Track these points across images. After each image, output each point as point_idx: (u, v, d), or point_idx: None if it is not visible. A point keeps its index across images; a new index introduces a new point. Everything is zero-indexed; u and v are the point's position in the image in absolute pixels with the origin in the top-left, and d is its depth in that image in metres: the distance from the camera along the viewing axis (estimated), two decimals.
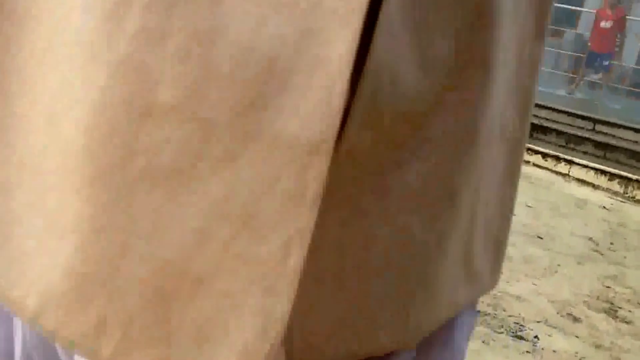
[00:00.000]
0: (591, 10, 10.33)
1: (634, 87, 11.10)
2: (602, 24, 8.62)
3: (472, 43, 0.33)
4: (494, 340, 2.28)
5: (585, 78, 9.41)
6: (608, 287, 3.05)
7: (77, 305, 0.30)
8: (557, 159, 5.23)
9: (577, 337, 2.45)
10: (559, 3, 11.50)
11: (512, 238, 3.39)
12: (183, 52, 0.28)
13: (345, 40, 0.27)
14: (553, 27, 11.76)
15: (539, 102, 6.46)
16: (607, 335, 2.53)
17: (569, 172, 5.15)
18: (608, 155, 5.60)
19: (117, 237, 0.29)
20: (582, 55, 9.46)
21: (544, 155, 5.27)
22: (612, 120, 6.22)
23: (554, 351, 2.31)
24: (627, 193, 4.95)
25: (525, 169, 5.08)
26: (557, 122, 6.18)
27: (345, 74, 0.27)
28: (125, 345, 0.30)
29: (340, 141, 0.29)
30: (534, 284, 2.87)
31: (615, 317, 2.71)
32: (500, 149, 0.40)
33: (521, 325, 2.45)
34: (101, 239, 0.29)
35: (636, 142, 5.91)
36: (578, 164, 5.16)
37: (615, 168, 5.15)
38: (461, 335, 0.45)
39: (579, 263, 3.30)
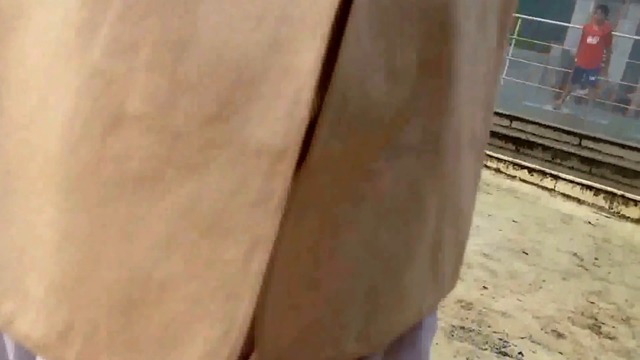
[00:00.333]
0: (578, 26, 10.43)
1: (619, 103, 11.21)
2: (589, 39, 8.70)
3: (437, 53, 0.33)
4: (479, 357, 2.28)
5: (571, 93, 9.48)
6: (592, 302, 3.07)
7: (46, 311, 0.31)
8: (543, 174, 5.26)
9: (561, 353, 2.46)
10: (546, 18, 11.61)
11: (497, 253, 3.40)
12: (154, 62, 0.28)
13: (313, 49, 0.28)
14: (540, 42, 11.86)
15: (526, 117, 6.51)
16: (591, 351, 2.54)
17: (554, 187, 5.19)
18: (594, 170, 5.64)
19: (86, 244, 0.30)
20: (568, 70, 9.54)
21: (530, 170, 5.30)
22: (598, 135, 6.27)
23: None
24: (612, 208, 4.98)
25: (511, 184, 5.11)
26: (544, 137, 6.22)
27: (312, 83, 0.28)
28: (89, 351, 0.30)
29: (310, 149, 0.30)
30: (519, 300, 2.88)
31: (599, 333, 2.72)
32: (469, 156, 0.41)
33: (505, 341, 2.45)
34: (71, 245, 0.30)
35: (621, 157, 5.96)
36: (564, 179, 5.19)
37: (600, 183, 5.19)
38: (426, 337, 0.46)
39: (563, 278, 3.31)
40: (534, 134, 6.24)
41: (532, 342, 2.51)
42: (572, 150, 5.93)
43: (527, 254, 3.56)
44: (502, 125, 6.41)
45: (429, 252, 0.39)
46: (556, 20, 11.96)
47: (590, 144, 6.16)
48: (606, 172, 5.62)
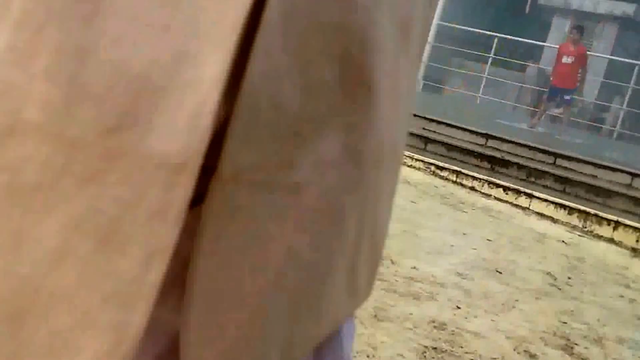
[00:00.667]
0: (554, 46, 10.59)
1: (594, 122, 11.36)
2: (564, 59, 8.83)
3: (358, 68, 0.34)
4: None
5: (547, 112, 9.60)
6: (565, 323, 3.08)
7: None
8: (518, 192, 5.30)
9: None
10: (522, 37, 11.77)
11: (471, 272, 3.41)
12: (52, 71, 0.28)
13: (217, 62, 0.28)
14: (516, 61, 12.01)
15: (501, 136, 6.57)
16: None
17: (529, 205, 5.23)
18: (568, 189, 5.70)
19: None
20: (544, 89, 9.67)
21: (505, 189, 5.34)
22: (572, 154, 6.35)
23: None
24: (585, 227, 5.03)
25: (486, 203, 5.14)
26: (519, 155, 6.28)
27: (215, 96, 0.28)
28: None
29: (220, 161, 0.30)
30: (492, 320, 2.89)
31: (571, 354, 2.73)
32: (389, 168, 0.42)
33: None
34: None
35: (595, 176, 6.03)
36: (538, 198, 5.23)
37: (574, 202, 5.24)
38: (347, 343, 0.47)
39: (537, 298, 3.33)
40: (510, 153, 6.30)
41: None
42: (546, 169, 5.99)
43: (501, 273, 3.58)
44: (477, 144, 6.46)
45: (348, 265, 0.40)
46: (532, 40, 12.14)
47: (565, 163, 6.23)
48: (580, 191, 5.68)
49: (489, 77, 11.49)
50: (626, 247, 4.81)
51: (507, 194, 5.33)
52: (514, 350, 2.64)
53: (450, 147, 6.20)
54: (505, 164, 5.98)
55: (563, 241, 4.63)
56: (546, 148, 6.42)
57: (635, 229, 4.89)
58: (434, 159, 5.74)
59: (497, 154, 6.17)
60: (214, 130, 0.30)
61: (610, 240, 4.89)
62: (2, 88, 0.28)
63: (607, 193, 5.62)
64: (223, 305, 0.33)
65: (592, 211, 5.08)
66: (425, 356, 2.38)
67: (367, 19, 0.34)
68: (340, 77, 0.33)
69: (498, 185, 5.37)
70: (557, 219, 5.10)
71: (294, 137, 0.32)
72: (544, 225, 4.96)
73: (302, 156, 0.33)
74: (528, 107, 11.32)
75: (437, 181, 5.42)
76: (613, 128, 10.86)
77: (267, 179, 0.32)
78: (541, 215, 5.15)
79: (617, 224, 4.96)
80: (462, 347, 2.53)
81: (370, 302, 2.62)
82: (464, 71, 12.12)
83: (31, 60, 0.28)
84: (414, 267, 3.17)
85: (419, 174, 5.50)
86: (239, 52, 0.29)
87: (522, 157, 6.27)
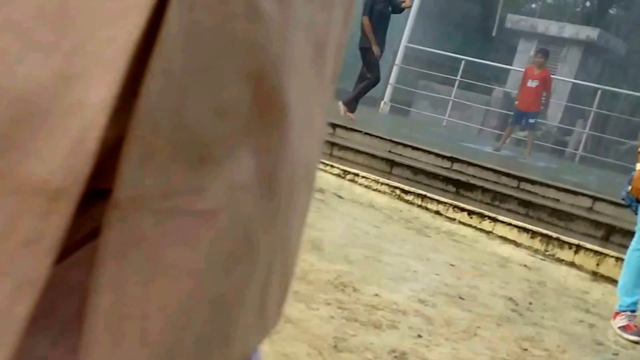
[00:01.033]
0: (520, 69, 10.77)
1: (557, 145, 11.57)
2: (529, 83, 8.99)
3: (270, 87, 0.33)
4: None
5: (512, 135, 9.75)
6: (525, 349, 3.11)
7: None
8: (482, 216, 5.36)
9: None
10: (489, 60, 11.96)
11: (434, 299, 3.44)
12: None
13: (106, 85, 0.27)
14: (483, 84, 12.20)
15: (466, 159, 6.65)
16: None
17: (493, 229, 5.29)
18: (531, 213, 5.78)
19: None
20: (510, 112, 9.83)
21: (470, 213, 5.40)
22: (535, 178, 6.45)
23: None
24: (547, 251, 5.11)
25: (450, 227, 5.19)
26: (484, 179, 6.36)
27: (102, 120, 0.27)
28: None
29: (115, 187, 0.29)
30: (453, 348, 2.91)
31: None
32: (302, 191, 0.41)
33: None
34: None
35: (558, 200, 6.14)
36: (502, 222, 5.30)
37: (537, 226, 5.32)
38: None
39: (498, 324, 3.36)
40: (475, 176, 6.38)
41: None
42: (510, 192, 6.08)
43: (463, 299, 3.60)
44: (443, 167, 6.53)
45: (258, 294, 0.39)
46: (499, 63, 12.35)
47: (528, 187, 6.33)
48: (543, 214, 5.77)
49: (455, 100, 11.64)
50: (586, 271, 4.89)
51: (471, 217, 5.38)
52: None
53: (416, 170, 6.26)
54: (470, 187, 6.05)
55: (525, 265, 4.68)
56: (510, 172, 6.52)
57: (595, 252, 4.97)
58: (399, 182, 5.78)
59: (463, 178, 6.24)
60: (106, 153, 0.28)
61: (571, 264, 4.97)
62: None
63: (569, 216, 5.72)
64: (127, 343, 0.31)
65: (554, 235, 5.16)
66: None
67: (281, 37, 0.33)
68: (254, 97, 0.32)
69: (463, 209, 5.43)
70: (520, 243, 5.17)
71: (204, 161, 0.31)
72: (507, 250, 5.02)
73: (214, 181, 0.32)
74: (494, 130, 11.48)
75: (402, 205, 5.46)
76: (576, 151, 11.07)
77: (175, 205, 0.31)
78: (504, 239, 5.21)
79: (578, 248, 5.04)
80: None
81: (330, 332, 2.62)
82: (431, 93, 12.27)
83: None
84: (376, 295, 3.19)
85: (385, 198, 5.53)
86: (135, 73, 0.28)
87: (487, 180, 6.35)
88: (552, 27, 13.50)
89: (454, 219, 5.39)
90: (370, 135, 7.05)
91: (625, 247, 3.83)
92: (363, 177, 5.75)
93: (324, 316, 2.71)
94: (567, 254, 5.04)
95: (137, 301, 0.31)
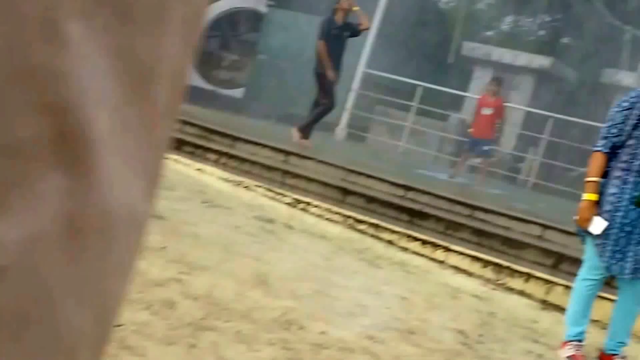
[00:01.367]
0: (475, 96, 10.95)
1: (511, 172, 11.76)
2: (483, 110, 9.14)
3: (72, 122, 0.30)
4: None
5: (466, 163, 9.86)
6: None
7: None
8: (435, 245, 5.37)
9: None
10: (445, 87, 12.14)
11: (383, 334, 3.40)
12: None
13: None
14: (439, 110, 12.35)
15: (421, 187, 6.68)
16: None
17: (446, 259, 5.30)
18: (483, 241, 5.82)
19: None
20: (465, 139, 9.95)
21: (423, 242, 5.41)
22: (488, 206, 6.50)
23: None
24: (499, 280, 5.13)
25: (403, 257, 5.18)
26: (437, 207, 6.39)
27: None
28: None
29: None
30: None
31: None
32: (123, 236, 0.37)
33: None
34: None
35: (509, 228, 6.19)
36: (455, 251, 5.32)
37: (489, 255, 5.35)
38: None
39: None
40: (428, 205, 6.40)
41: None
42: (463, 221, 6.11)
43: (413, 333, 3.58)
44: (397, 195, 6.54)
45: (66, 352, 0.35)
46: (455, 90, 12.53)
47: (481, 215, 6.38)
48: (495, 243, 5.81)
49: (412, 126, 11.75)
50: (536, 300, 4.92)
51: (424, 247, 5.39)
52: None
53: (369, 198, 6.25)
54: (424, 216, 6.07)
55: (477, 296, 4.69)
56: (464, 200, 6.56)
57: (545, 281, 5.02)
58: (352, 211, 5.76)
59: (417, 206, 6.26)
60: None
61: (522, 293, 5.00)
62: None
63: (520, 245, 5.77)
64: None
65: (506, 264, 5.19)
66: None
67: (86, 63, 0.30)
68: (53, 132, 0.29)
69: (416, 239, 5.43)
70: (472, 273, 5.18)
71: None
72: (459, 280, 5.02)
73: (2, 232, 0.29)
74: (449, 157, 11.61)
75: (355, 235, 5.43)
76: (528, 178, 11.25)
77: None
78: (457, 269, 5.22)
79: (529, 276, 5.08)
80: None
81: None
82: (387, 119, 12.37)
83: None
84: (323, 332, 3.13)
85: (337, 227, 5.50)
86: None
87: (441, 209, 6.38)
88: (506, 55, 13.78)
89: (407, 249, 5.38)
90: (324, 162, 7.04)
91: (574, 275, 3.87)
92: (315, 206, 5.72)
93: (265, 358, 2.64)
94: (517, 283, 5.07)
95: None
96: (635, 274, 3.45)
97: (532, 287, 5.02)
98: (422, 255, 5.33)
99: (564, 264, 5.49)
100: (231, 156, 6.91)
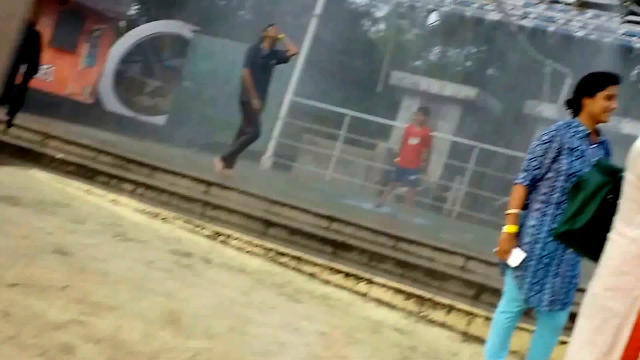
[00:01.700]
0: (403, 125, 11.05)
1: (437, 202, 11.89)
2: (410, 140, 9.20)
3: None
4: None
5: (393, 192, 9.89)
6: None
7: None
8: (358, 278, 5.30)
9: None
10: (373, 116, 12.22)
11: None
12: None
13: None
14: (366, 139, 12.42)
15: (345, 218, 6.62)
16: None
17: (368, 292, 5.23)
18: (407, 273, 5.78)
19: None
20: (392, 168, 10.00)
21: (346, 275, 5.32)
22: (412, 237, 6.49)
23: None
24: (421, 312, 5.09)
25: (325, 290, 5.08)
26: (361, 239, 6.34)
27: None
28: None
29: None
30: None
31: None
32: None
33: None
34: None
35: (433, 259, 6.19)
36: (377, 284, 5.25)
37: (412, 286, 5.31)
38: None
39: None
40: (353, 236, 6.35)
41: None
42: (387, 252, 6.07)
43: None
44: (321, 227, 6.46)
45: None
46: (383, 118, 12.63)
47: (405, 246, 6.36)
48: (418, 274, 5.78)
49: (339, 155, 11.76)
50: (457, 331, 4.90)
51: (347, 280, 5.30)
52: None
53: (292, 230, 6.14)
54: (348, 248, 6.00)
55: (398, 329, 4.62)
56: (388, 231, 6.53)
57: (466, 312, 5.00)
58: (275, 243, 5.64)
59: (340, 238, 6.19)
60: None
61: (443, 325, 4.97)
62: None
63: (443, 276, 5.76)
64: None
65: (428, 295, 5.16)
66: None
67: None
68: None
69: (339, 271, 5.34)
70: (394, 305, 5.12)
71: None
72: (382, 313, 4.95)
73: None
74: (376, 186, 11.65)
75: (276, 268, 5.30)
76: (453, 208, 11.40)
77: None
78: (379, 301, 5.15)
79: (450, 308, 5.05)
80: None
81: None
82: (315, 148, 12.34)
83: None
84: None
85: (258, 260, 5.36)
86: None
87: (365, 240, 6.33)
88: (434, 85, 14.04)
89: (329, 282, 5.29)
90: (247, 193, 6.90)
91: (495, 305, 3.84)
92: (236, 238, 5.56)
93: None
94: (439, 315, 5.04)
95: None
96: (552, 306, 3.46)
97: (453, 319, 4.99)
98: (344, 288, 5.24)
99: (485, 294, 5.51)
100: (149, 187, 6.67)
